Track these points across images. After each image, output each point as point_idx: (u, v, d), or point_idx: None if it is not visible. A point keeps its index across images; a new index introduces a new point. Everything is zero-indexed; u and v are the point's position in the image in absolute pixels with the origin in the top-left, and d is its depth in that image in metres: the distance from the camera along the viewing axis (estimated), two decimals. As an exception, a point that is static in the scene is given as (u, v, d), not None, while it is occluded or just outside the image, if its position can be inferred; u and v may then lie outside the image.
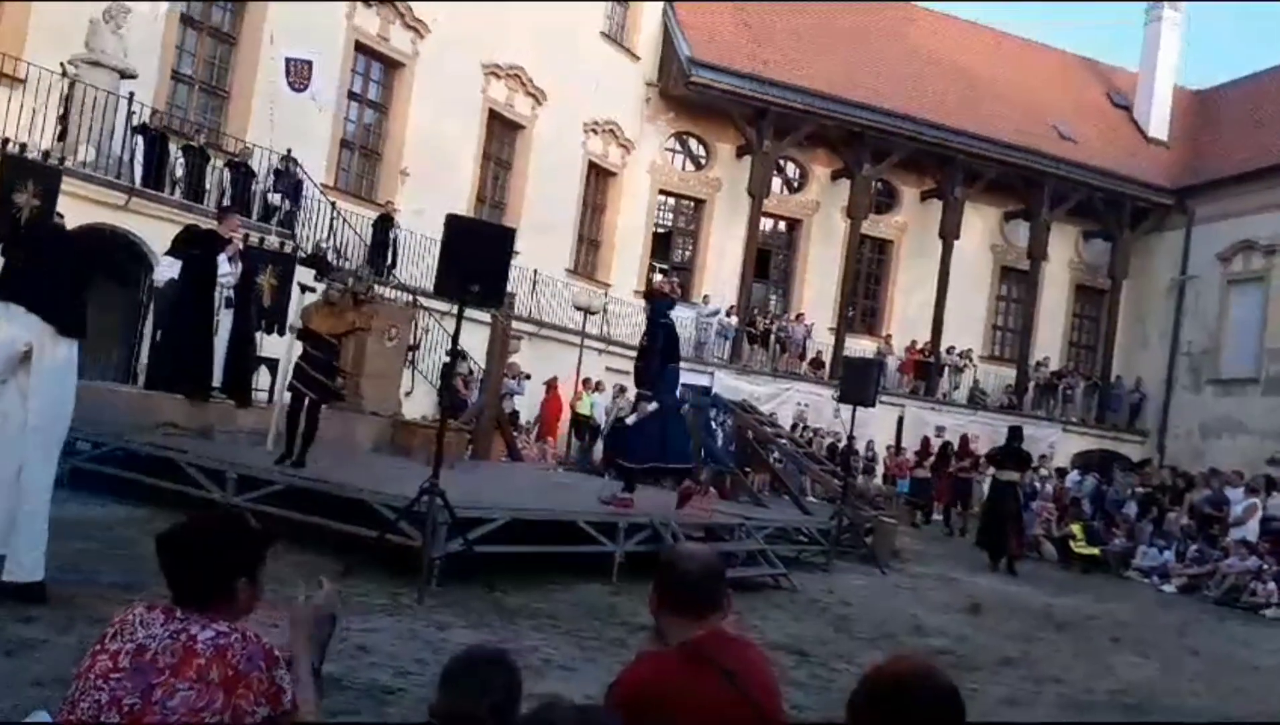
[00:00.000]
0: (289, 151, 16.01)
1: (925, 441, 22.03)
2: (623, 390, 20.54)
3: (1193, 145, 28.18)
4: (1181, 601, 14.29)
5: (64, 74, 12.99)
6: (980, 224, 26.79)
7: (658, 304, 10.09)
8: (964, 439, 21.68)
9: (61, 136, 13.07)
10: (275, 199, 15.51)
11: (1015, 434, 15.87)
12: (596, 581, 8.40)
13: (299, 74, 15.31)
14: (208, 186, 15.12)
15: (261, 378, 12.41)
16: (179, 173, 14.59)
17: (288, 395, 9.26)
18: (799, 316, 25.14)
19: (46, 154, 12.25)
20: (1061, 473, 21.14)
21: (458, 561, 7.40)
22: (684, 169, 25.84)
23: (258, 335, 11.99)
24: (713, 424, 16.44)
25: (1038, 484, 19.46)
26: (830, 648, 7.47)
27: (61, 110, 13.15)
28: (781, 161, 25.67)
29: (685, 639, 2.46)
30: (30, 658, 4.56)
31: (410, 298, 16.53)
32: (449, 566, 7.35)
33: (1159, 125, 28.67)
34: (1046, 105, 27.47)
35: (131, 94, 13.81)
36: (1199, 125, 28.95)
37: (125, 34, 13.77)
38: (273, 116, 16.44)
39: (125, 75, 13.76)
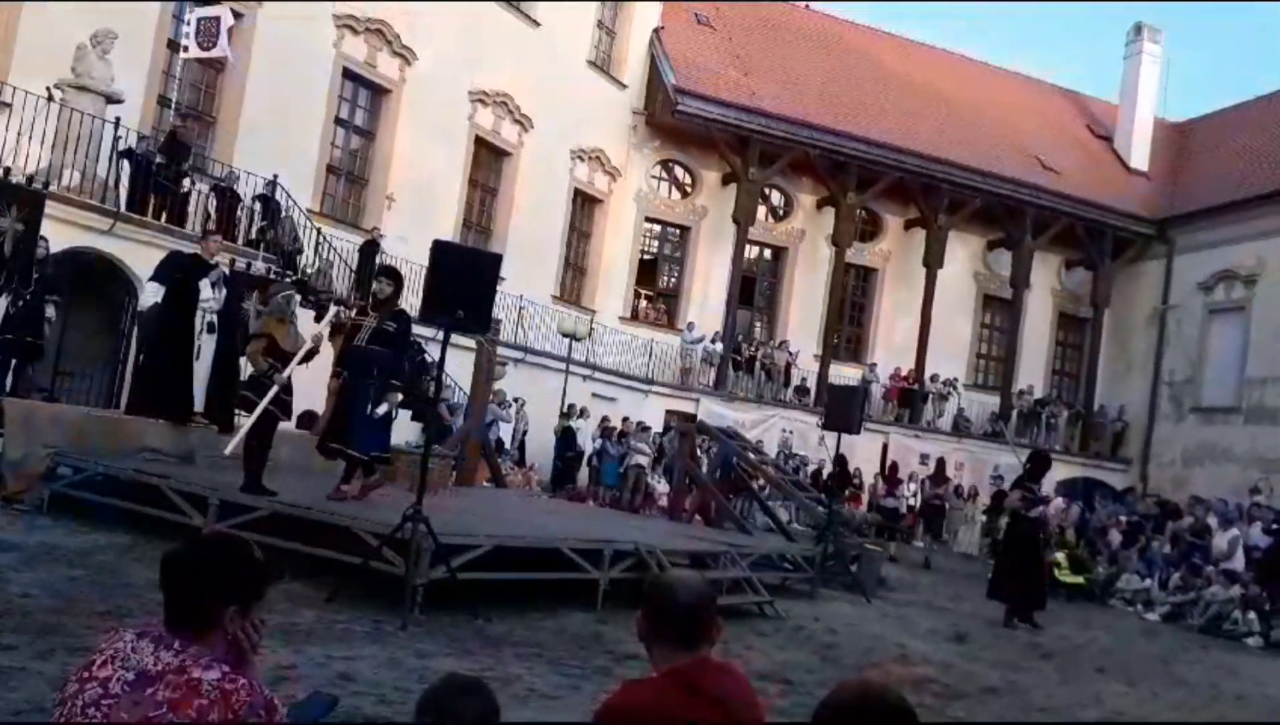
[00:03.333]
0: (275, 177, 16.00)
1: (894, 467, 21.86)
2: (606, 419, 20.56)
3: (1173, 176, 28.51)
4: (1166, 630, 14.31)
5: (50, 98, 12.96)
6: (963, 252, 26.98)
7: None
8: (940, 463, 21.40)
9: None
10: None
11: (1043, 462, 13.56)
12: (581, 609, 8.35)
13: (207, 32, 14.72)
14: (192, 211, 15.07)
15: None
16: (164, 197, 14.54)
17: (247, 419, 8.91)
18: (782, 343, 25.21)
19: (31, 177, 12.20)
20: (1046, 500, 21.13)
21: (441, 588, 7.36)
22: (670, 196, 25.95)
23: (241, 360, 11.93)
24: (698, 451, 16.43)
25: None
26: (815, 676, 7.43)
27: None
28: (767, 190, 25.81)
29: (674, 666, 2.44)
30: (8, 686, 4.50)
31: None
32: (433, 594, 7.30)
33: (1139, 156, 29.02)
34: (1029, 136, 27.76)
35: (118, 118, 13.79)
36: (1179, 156, 29.30)
37: (112, 59, 13.76)
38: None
39: (112, 100, 13.74)
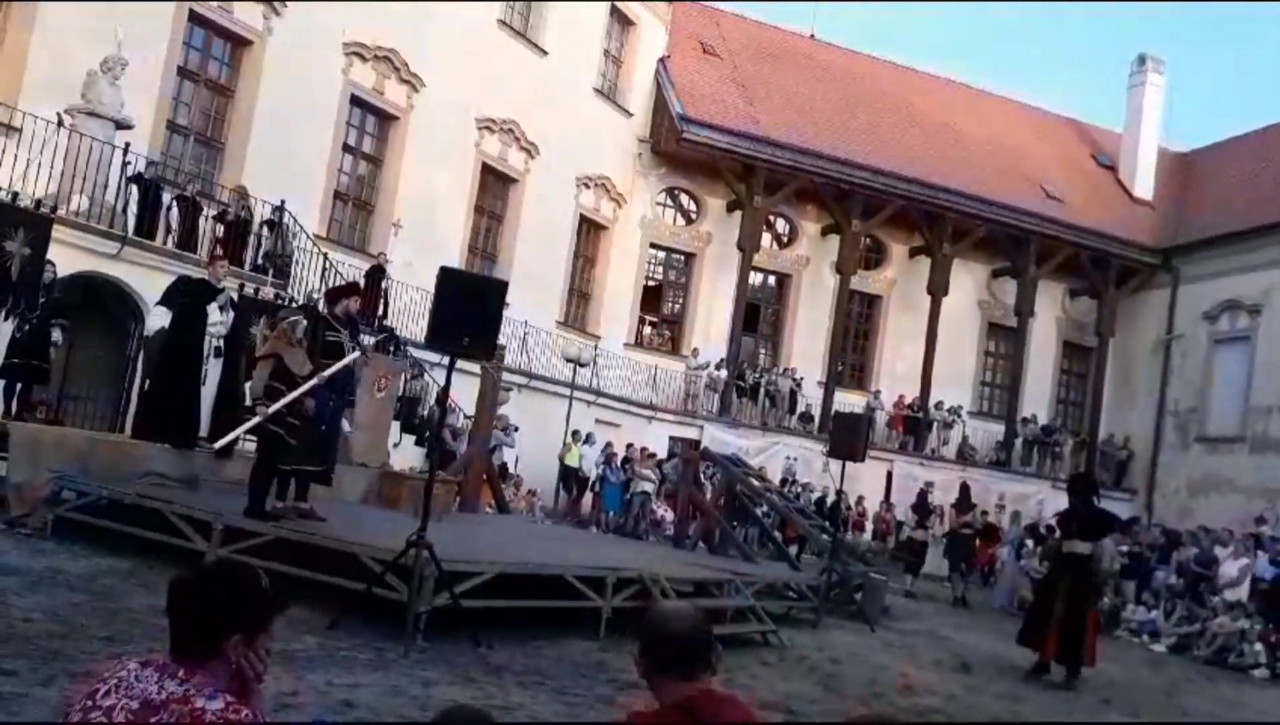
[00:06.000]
0: (282, 202, 16.07)
1: (923, 495, 20.74)
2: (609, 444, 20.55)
3: (1177, 205, 28.54)
4: (1171, 661, 14.21)
5: (60, 124, 13.05)
6: (968, 280, 27.00)
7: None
8: (964, 489, 20.13)
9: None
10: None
11: (1084, 484, 11.63)
12: (583, 637, 8.31)
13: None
14: (200, 236, 15.11)
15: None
16: (172, 222, 14.62)
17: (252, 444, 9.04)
18: (786, 370, 25.20)
19: (39, 202, 12.27)
20: (1050, 529, 20.88)
21: (443, 615, 7.33)
22: (675, 223, 26.03)
23: (247, 385, 11.95)
24: (702, 477, 16.42)
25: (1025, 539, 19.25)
26: (819, 706, 7.39)
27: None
28: (771, 217, 25.89)
29: (676, 699, 2.44)
30: (8, 712, 4.49)
31: (400, 348, 16.57)
32: (435, 620, 7.27)
33: (1144, 185, 29.07)
34: (1033, 165, 27.85)
35: (127, 144, 13.88)
36: (1183, 186, 29.34)
37: (123, 85, 13.86)
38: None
39: (121, 126, 13.84)
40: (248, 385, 9.68)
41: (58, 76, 13.63)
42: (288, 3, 17.12)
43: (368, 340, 11.15)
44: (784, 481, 21.33)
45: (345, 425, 9.48)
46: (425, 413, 17.05)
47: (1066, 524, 11.17)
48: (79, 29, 13.97)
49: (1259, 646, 13.97)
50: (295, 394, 8.47)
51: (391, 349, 16.15)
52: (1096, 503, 11.28)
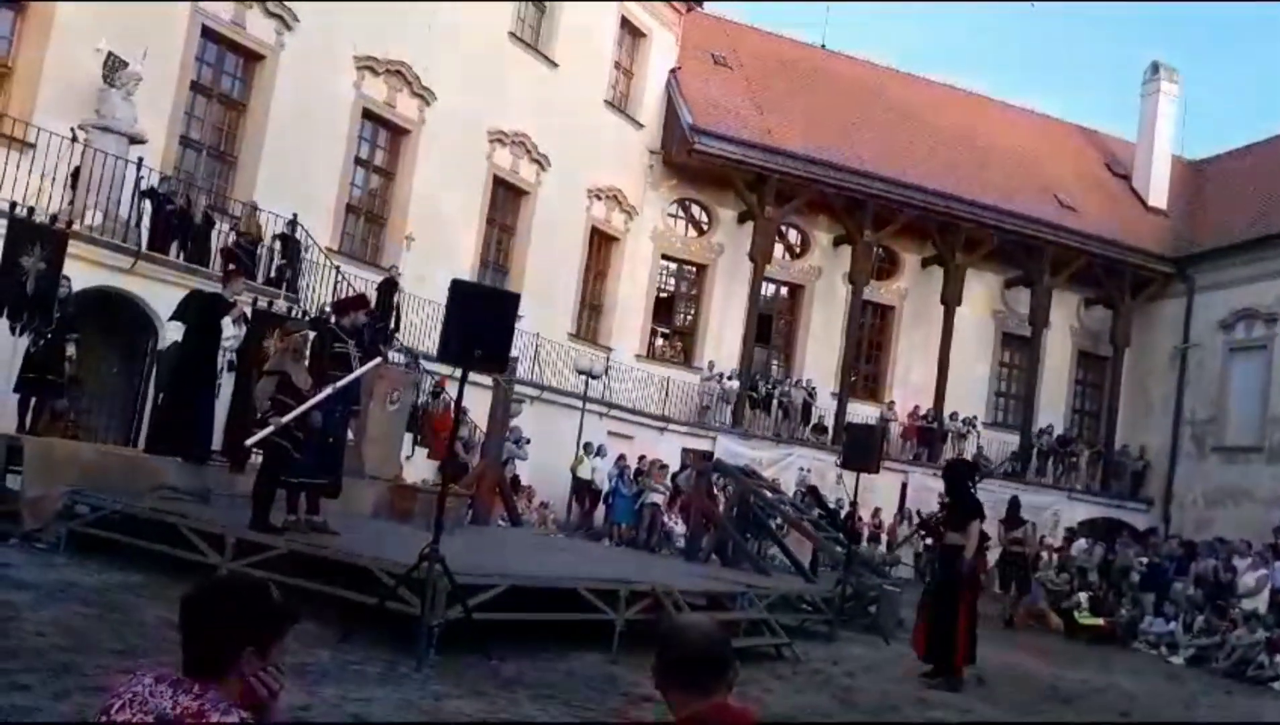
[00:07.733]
0: (294, 216, 16.13)
1: (1014, 504, 18.34)
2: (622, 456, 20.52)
3: (1192, 214, 28.40)
4: (1189, 673, 14.09)
5: (74, 139, 13.14)
6: (981, 290, 26.89)
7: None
8: (1013, 503, 17.88)
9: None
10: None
11: (957, 470, 10.92)
12: (595, 650, 8.27)
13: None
14: (213, 250, 15.15)
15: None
16: (186, 237, 14.67)
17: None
18: (799, 381, 25.13)
19: (54, 217, 12.34)
20: (1069, 539, 20.74)
21: (455, 628, 7.30)
22: (686, 234, 26.03)
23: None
24: (715, 489, 16.37)
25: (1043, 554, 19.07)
26: (832, 720, 7.34)
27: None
28: (783, 227, 25.84)
29: (690, 713, 2.41)
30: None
31: (413, 361, 16.59)
32: (447, 634, 7.25)
33: (1158, 194, 28.91)
34: (1047, 173, 27.75)
35: (140, 159, 13.97)
36: (1197, 195, 29.20)
37: (136, 100, 13.95)
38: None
39: (135, 141, 13.92)
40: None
41: (71, 91, 13.72)
42: (298, 2, 17.18)
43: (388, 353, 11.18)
44: (797, 493, 21.22)
45: (350, 433, 9.55)
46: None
47: (947, 517, 10.63)
48: (93, 44, 14.04)
49: (1279, 658, 13.84)
50: (308, 405, 8.50)
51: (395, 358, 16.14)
52: (972, 490, 10.27)
